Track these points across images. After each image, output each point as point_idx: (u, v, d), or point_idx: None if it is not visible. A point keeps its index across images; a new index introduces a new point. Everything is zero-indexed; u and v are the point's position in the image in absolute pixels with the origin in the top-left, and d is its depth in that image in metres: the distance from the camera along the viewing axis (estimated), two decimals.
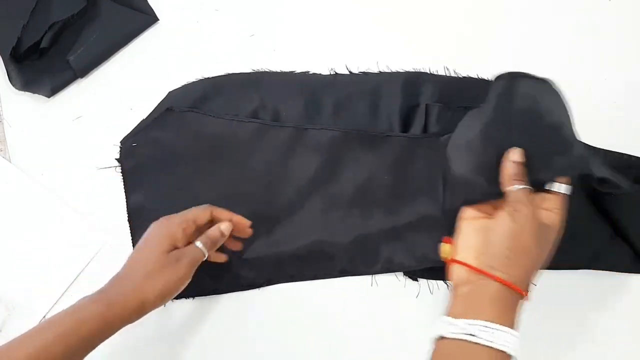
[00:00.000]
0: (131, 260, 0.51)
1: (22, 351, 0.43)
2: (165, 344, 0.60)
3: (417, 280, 0.61)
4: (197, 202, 0.62)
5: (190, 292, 0.57)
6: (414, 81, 0.67)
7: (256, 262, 0.61)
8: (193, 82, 0.67)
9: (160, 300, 0.49)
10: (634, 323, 0.59)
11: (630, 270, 0.60)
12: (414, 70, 0.67)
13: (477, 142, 0.48)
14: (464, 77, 0.67)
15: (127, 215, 0.64)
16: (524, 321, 0.59)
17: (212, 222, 0.55)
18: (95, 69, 0.69)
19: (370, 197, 0.62)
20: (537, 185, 0.46)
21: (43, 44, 0.67)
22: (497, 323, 0.40)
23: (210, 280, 0.61)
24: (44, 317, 0.62)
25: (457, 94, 0.66)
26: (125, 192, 0.64)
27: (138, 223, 0.63)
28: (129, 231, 0.64)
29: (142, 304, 0.48)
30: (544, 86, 0.49)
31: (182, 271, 0.50)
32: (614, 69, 0.68)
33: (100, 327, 0.46)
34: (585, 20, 0.69)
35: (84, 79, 0.69)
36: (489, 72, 0.67)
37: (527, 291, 0.43)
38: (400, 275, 0.61)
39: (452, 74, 0.67)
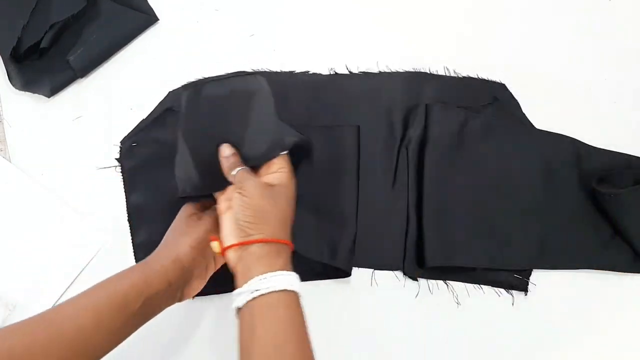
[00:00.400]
0: (165, 237, 0.53)
1: (59, 328, 0.43)
2: (164, 345, 0.60)
3: (417, 280, 0.61)
4: None
5: None
6: (414, 81, 0.67)
7: None
8: (193, 82, 0.67)
9: (193, 251, 0.50)
10: (634, 322, 0.60)
11: (630, 270, 0.60)
12: (413, 70, 0.67)
13: (184, 150, 0.55)
14: (464, 77, 0.67)
15: (127, 215, 0.64)
16: (525, 319, 0.59)
17: None
18: (95, 69, 0.69)
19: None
20: (258, 161, 0.52)
21: (43, 44, 0.67)
22: (270, 271, 0.45)
23: (210, 280, 0.61)
24: None
25: (457, 94, 0.66)
26: (125, 192, 0.64)
27: (138, 223, 0.63)
28: (129, 231, 0.63)
29: (177, 256, 0.49)
30: (230, 82, 0.55)
31: (207, 222, 0.53)
32: (614, 69, 0.68)
33: (140, 296, 0.46)
34: (585, 20, 0.69)
35: (84, 79, 0.69)
36: (489, 72, 0.67)
37: (288, 240, 0.49)
38: (400, 275, 0.61)
39: (452, 74, 0.67)
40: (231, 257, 0.49)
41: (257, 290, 0.44)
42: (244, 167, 0.51)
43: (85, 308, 0.44)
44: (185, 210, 0.55)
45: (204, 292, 0.62)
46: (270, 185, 0.50)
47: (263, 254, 0.46)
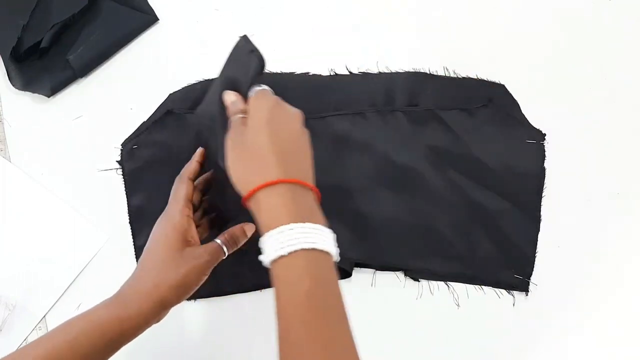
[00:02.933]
0: (143, 261, 0.48)
1: (31, 355, 0.42)
2: (164, 346, 0.60)
3: (418, 281, 0.61)
4: None
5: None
6: (413, 81, 0.67)
7: (257, 264, 0.61)
8: (193, 84, 0.67)
9: (177, 297, 0.46)
10: (635, 322, 0.60)
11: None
12: (413, 71, 0.67)
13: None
14: (464, 77, 0.67)
15: (128, 217, 0.64)
16: (525, 319, 0.59)
17: (204, 193, 0.53)
18: (95, 68, 0.69)
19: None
20: None
21: (43, 44, 0.67)
22: (309, 222, 0.40)
23: (212, 281, 0.61)
24: (44, 317, 0.62)
25: (457, 95, 0.66)
26: (126, 194, 0.64)
27: (139, 225, 0.63)
28: (130, 234, 0.63)
29: (160, 301, 0.45)
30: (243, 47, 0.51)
31: (201, 268, 0.47)
32: (614, 69, 0.68)
33: (116, 330, 0.43)
34: (585, 20, 0.70)
35: (84, 78, 0.69)
36: (489, 72, 0.67)
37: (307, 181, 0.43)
38: (400, 275, 0.61)
39: (452, 74, 0.67)
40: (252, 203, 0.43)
41: (281, 249, 0.40)
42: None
43: (62, 340, 0.43)
44: (171, 238, 0.48)
45: (205, 295, 0.62)
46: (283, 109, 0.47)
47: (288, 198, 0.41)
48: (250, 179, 0.42)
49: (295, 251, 0.39)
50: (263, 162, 0.42)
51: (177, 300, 0.47)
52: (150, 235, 0.49)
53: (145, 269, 0.47)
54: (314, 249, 0.40)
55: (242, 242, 0.51)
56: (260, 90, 0.48)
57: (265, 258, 0.41)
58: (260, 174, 0.42)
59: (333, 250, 0.41)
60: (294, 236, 0.40)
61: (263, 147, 0.43)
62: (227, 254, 0.50)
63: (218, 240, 0.49)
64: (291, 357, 0.39)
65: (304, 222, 0.40)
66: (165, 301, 0.46)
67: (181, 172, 0.53)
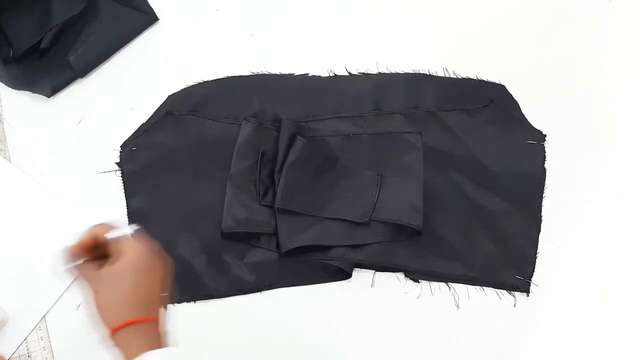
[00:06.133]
0: None
1: None
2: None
3: (418, 282, 0.61)
4: (197, 206, 0.62)
5: (191, 295, 0.58)
6: (413, 82, 0.67)
7: (257, 266, 0.61)
8: (193, 85, 0.67)
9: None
10: (636, 323, 0.60)
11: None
12: (413, 72, 0.67)
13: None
14: (464, 78, 0.67)
15: (127, 219, 0.63)
16: (526, 320, 0.59)
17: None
18: (95, 68, 0.69)
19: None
20: None
21: (43, 45, 0.67)
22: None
23: (211, 284, 0.61)
24: (44, 317, 0.62)
25: (457, 95, 0.66)
26: (125, 196, 0.64)
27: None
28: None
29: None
30: None
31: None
32: (614, 69, 0.68)
33: None
34: (585, 20, 0.70)
35: (84, 78, 0.69)
36: (488, 73, 0.67)
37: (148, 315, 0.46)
38: (400, 275, 0.61)
39: (452, 75, 0.67)
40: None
41: None
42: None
43: None
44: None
45: (205, 297, 0.62)
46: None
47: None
48: (111, 319, 0.45)
49: None
50: (121, 305, 0.45)
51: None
52: None
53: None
54: None
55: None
56: (120, 240, 0.48)
57: None
58: (119, 316, 0.45)
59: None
60: None
61: (120, 294, 0.46)
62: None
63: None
64: None
65: None
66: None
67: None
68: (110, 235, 0.48)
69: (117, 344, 0.45)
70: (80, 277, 0.48)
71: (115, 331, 0.44)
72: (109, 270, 0.47)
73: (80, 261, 0.48)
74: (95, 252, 0.49)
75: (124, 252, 0.47)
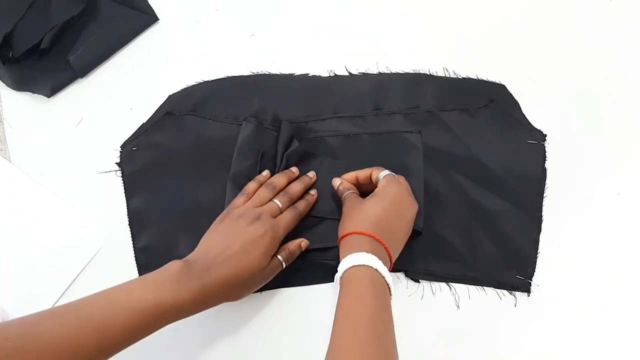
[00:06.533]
0: (234, 246, 0.52)
1: (55, 327, 0.42)
2: (163, 347, 0.60)
3: (419, 282, 0.61)
4: (197, 206, 0.62)
5: None
6: (413, 82, 0.67)
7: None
8: (193, 85, 0.67)
9: (221, 290, 0.51)
10: (637, 323, 0.60)
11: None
12: (413, 72, 0.67)
13: None
14: (464, 78, 0.67)
15: (127, 219, 0.63)
16: (527, 320, 0.59)
17: None
18: (95, 68, 0.69)
19: None
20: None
21: (43, 45, 0.67)
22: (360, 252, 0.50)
23: None
24: None
25: (457, 95, 0.66)
26: (125, 196, 0.64)
27: (139, 227, 0.63)
28: (130, 235, 0.63)
29: (202, 286, 0.49)
30: None
31: (264, 279, 0.55)
32: (614, 69, 0.68)
33: (151, 311, 0.46)
34: (585, 20, 0.70)
35: (84, 79, 0.69)
36: (488, 73, 0.67)
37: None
38: (401, 275, 0.61)
39: (452, 75, 0.67)
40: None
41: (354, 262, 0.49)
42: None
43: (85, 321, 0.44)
44: (274, 245, 0.55)
45: None
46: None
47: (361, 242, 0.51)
48: (350, 228, 0.53)
49: (364, 266, 0.48)
50: (365, 221, 0.52)
51: (220, 294, 0.52)
52: (252, 231, 0.53)
53: (232, 258, 0.51)
54: (379, 273, 0.49)
55: (297, 255, 0.58)
56: (389, 176, 0.56)
57: (340, 270, 0.50)
58: (359, 227, 0.52)
59: (392, 288, 0.50)
60: (367, 258, 0.49)
61: (370, 214, 0.53)
62: (284, 267, 0.57)
63: (279, 257, 0.56)
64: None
65: (378, 259, 0.49)
66: (206, 287, 0.50)
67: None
68: (382, 173, 0.57)
69: (344, 244, 0.52)
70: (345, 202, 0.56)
71: (350, 235, 0.52)
72: (371, 196, 0.55)
73: (351, 190, 0.58)
74: (363, 186, 0.59)
75: (389, 185, 0.55)
